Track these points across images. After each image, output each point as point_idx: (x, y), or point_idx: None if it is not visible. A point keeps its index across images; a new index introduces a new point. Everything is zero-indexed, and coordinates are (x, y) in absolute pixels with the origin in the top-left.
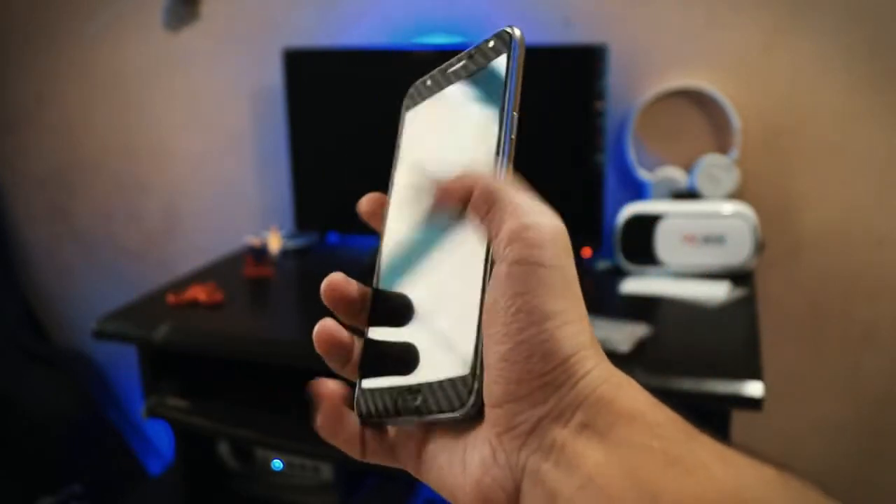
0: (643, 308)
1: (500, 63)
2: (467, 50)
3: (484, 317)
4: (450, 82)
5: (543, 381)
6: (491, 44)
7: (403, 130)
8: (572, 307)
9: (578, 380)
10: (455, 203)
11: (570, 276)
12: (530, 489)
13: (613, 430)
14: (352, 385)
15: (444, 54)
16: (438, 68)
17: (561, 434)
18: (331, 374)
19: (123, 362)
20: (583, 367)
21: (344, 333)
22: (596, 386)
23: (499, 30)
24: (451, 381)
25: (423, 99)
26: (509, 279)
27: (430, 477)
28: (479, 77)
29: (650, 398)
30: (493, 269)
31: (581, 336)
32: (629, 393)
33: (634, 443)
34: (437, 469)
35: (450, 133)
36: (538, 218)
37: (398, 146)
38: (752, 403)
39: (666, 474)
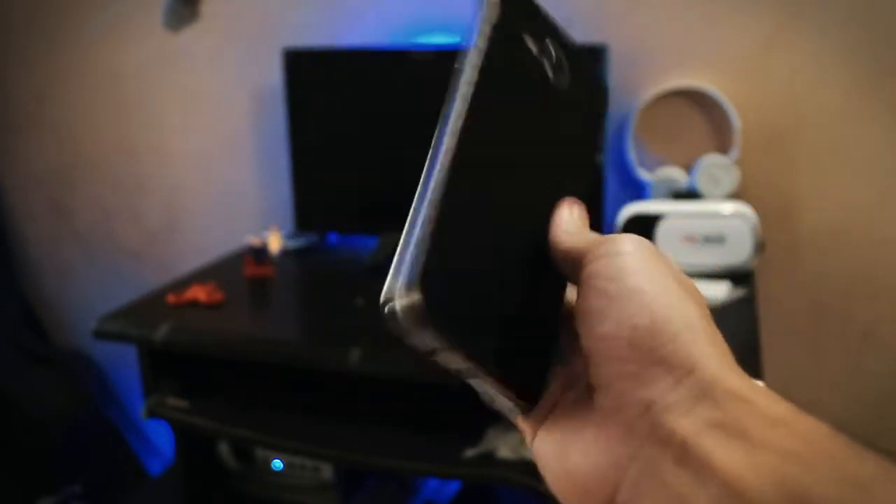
0: None
1: (601, 81)
2: (560, 35)
3: (572, 308)
4: (552, 55)
5: (652, 357)
6: (585, 53)
7: (494, 55)
8: (665, 290)
9: (695, 363)
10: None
11: (658, 266)
12: (642, 484)
13: (755, 433)
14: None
15: (444, 54)
16: (552, 24)
17: (682, 426)
18: (333, 381)
19: (123, 362)
20: (698, 350)
21: None
22: (722, 378)
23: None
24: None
25: (531, 38)
26: (593, 275)
27: (538, 456)
28: (579, 77)
29: (790, 404)
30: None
31: (689, 316)
32: (767, 394)
33: (785, 450)
34: (542, 452)
35: (546, 125)
36: (620, 245)
37: (477, 72)
38: None
39: (830, 491)
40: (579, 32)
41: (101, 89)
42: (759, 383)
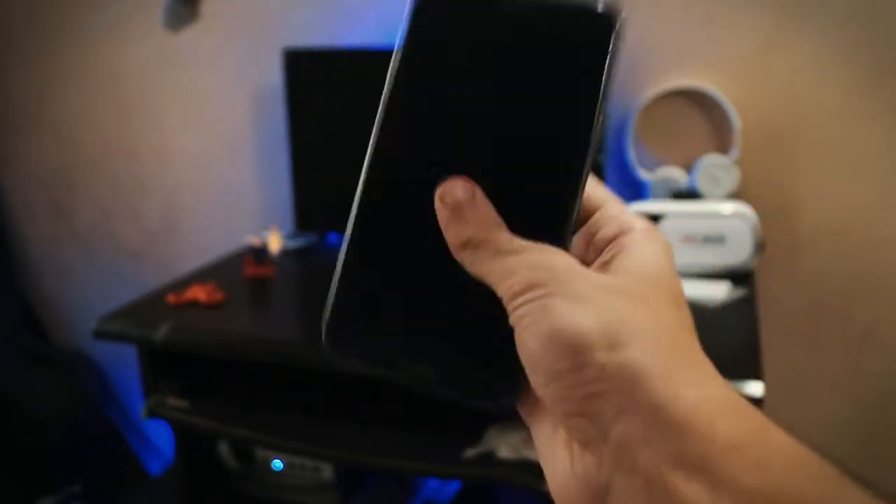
0: None
1: (600, 37)
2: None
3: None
4: (510, 21)
5: (584, 392)
6: (572, 8)
7: (424, 26)
8: (597, 312)
9: (632, 387)
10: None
11: (590, 294)
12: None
13: (712, 467)
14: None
15: None
16: None
17: (642, 458)
18: (333, 381)
19: (123, 362)
20: (632, 371)
21: None
22: (667, 398)
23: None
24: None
25: (463, 14)
26: (516, 322)
27: (540, 460)
28: (555, 46)
29: (752, 415)
30: None
31: (619, 335)
32: (724, 407)
33: (746, 487)
34: (539, 438)
35: (514, 106)
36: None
37: (409, 44)
38: (752, 403)
39: None
40: None
41: (101, 89)
42: (754, 385)
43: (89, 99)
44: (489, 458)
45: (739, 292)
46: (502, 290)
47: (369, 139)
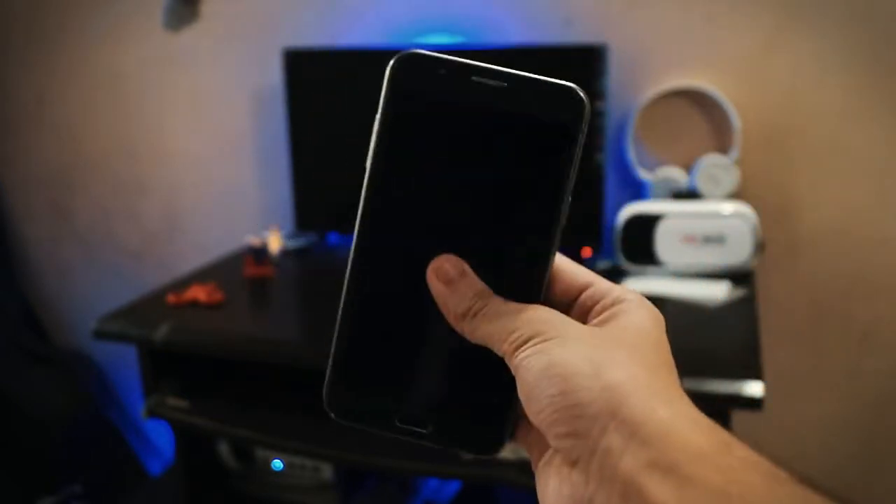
0: None
1: (565, 124)
2: (503, 72)
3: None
4: (485, 100)
5: (573, 413)
6: (547, 89)
7: (390, 118)
8: (579, 352)
9: (615, 408)
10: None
11: (578, 340)
12: None
13: (681, 469)
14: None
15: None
16: (464, 66)
17: (621, 467)
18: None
19: (123, 362)
20: (615, 395)
21: None
22: (647, 415)
23: (562, 83)
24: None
25: (439, 94)
26: (517, 370)
27: (537, 486)
28: (528, 126)
29: (715, 432)
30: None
31: (601, 368)
32: (689, 426)
33: (709, 485)
34: (535, 468)
35: (483, 177)
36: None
37: (385, 127)
38: (752, 403)
39: None
40: (579, 32)
41: (101, 89)
42: (755, 385)
43: (89, 99)
44: (489, 458)
45: (739, 292)
46: (505, 346)
47: (367, 147)
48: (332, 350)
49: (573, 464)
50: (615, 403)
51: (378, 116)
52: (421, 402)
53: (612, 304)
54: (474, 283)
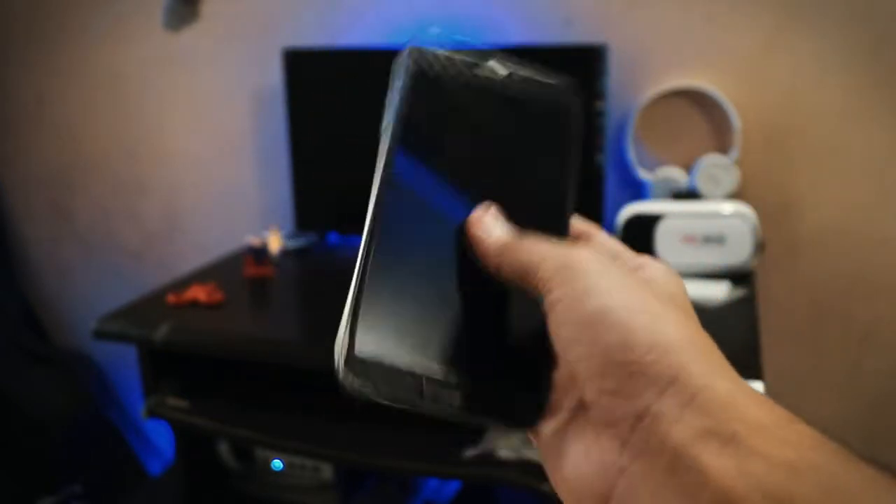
0: None
1: (567, 107)
2: (507, 68)
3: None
4: (492, 85)
5: (630, 371)
6: (550, 82)
7: (411, 100)
8: (636, 304)
9: (677, 372)
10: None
11: (626, 283)
12: (632, 496)
13: (745, 440)
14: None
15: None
16: (469, 58)
17: (673, 435)
18: (333, 381)
19: (123, 362)
20: (677, 358)
21: None
22: (708, 383)
23: (561, 80)
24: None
25: (449, 78)
26: (555, 303)
27: (542, 457)
28: (537, 107)
29: (778, 408)
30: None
31: (664, 324)
32: (757, 398)
33: (773, 457)
34: (545, 453)
35: (500, 154)
36: (573, 251)
37: (399, 116)
38: None
39: (815, 500)
40: (579, 32)
41: (101, 89)
42: (755, 385)
43: (89, 99)
44: (489, 458)
45: (739, 292)
46: (539, 276)
47: (372, 141)
48: (354, 294)
49: (608, 425)
50: (676, 366)
51: (399, 93)
52: (450, 369)
53: (630, 259)
54: (506, 223)
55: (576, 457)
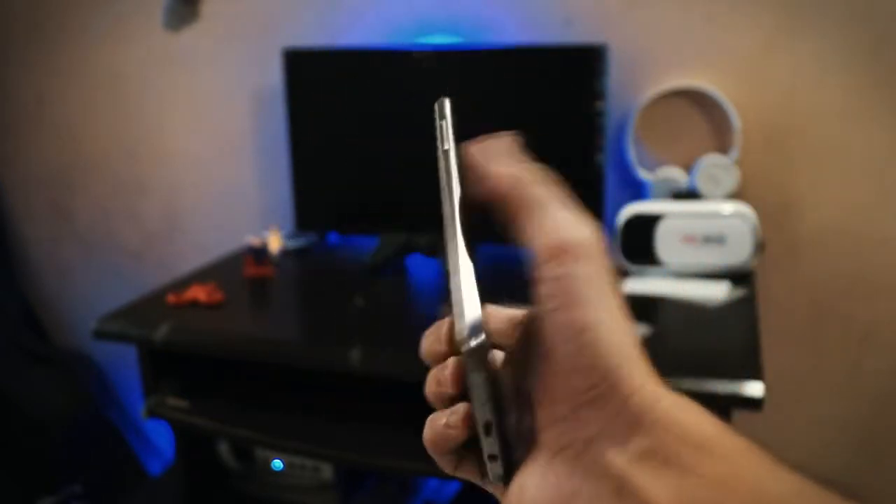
0: (643, 308)
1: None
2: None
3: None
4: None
5: (587, 397)
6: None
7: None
8: (610, 318)
9: (628, 396)
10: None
11: (606, 288)
12: None
13: (681, 460)
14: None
15: (444, 54)
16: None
17: (617, 460)
18: (333, 381)
19: (123, 362)
20: (631, 382)
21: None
22: (651, 405)
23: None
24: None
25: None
26: (542, 298)
27: (499, 495)
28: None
29: (716, 421)
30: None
31: (625, 348)
32: (692, 416)
33: (708, 475)
34: (503, 492)
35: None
36: (572, 232)
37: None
38: (753, 403)
39: None
40: (579, 32)
41: (101, 89)
42: (755, 385)
43: (89, 99)
44: None
45: (739, 292)
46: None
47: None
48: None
49: (561, 450)
50: (630, 388)
51: (450, 145)
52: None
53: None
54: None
55: (534, 483)
